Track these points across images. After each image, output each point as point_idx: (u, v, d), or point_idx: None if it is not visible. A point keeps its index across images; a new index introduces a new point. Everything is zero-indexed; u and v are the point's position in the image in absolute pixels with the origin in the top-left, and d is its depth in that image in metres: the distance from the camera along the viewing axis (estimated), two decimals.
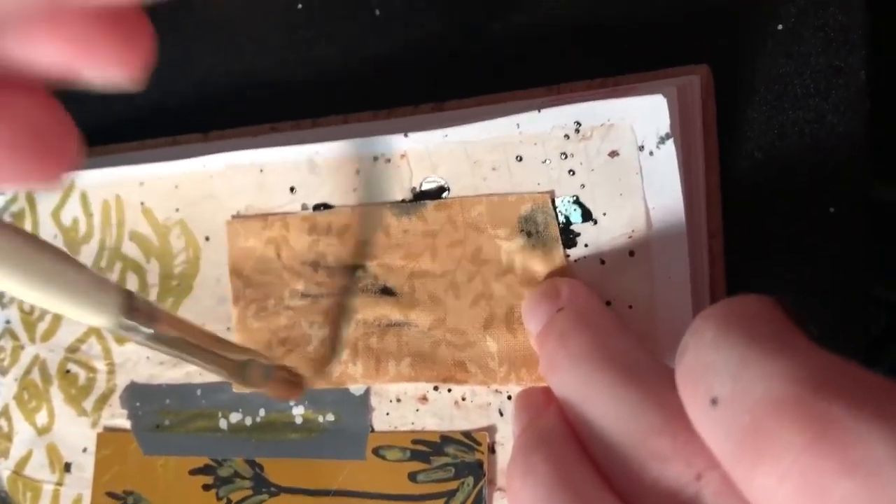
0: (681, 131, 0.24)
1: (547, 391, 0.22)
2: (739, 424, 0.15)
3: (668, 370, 0.18)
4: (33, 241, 0.20)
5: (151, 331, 0.22)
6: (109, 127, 0.35)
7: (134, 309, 0.22)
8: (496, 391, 0.26)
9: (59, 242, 0.33)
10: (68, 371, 0.32)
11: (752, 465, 0.14)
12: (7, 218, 0.34)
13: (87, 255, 0.32)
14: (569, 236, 0.25)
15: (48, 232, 0.33)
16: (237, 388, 0.29)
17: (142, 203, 0.31)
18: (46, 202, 0.33)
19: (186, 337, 0.23)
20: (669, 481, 0.16)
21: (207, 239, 0.30)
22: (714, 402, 0.15)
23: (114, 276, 0.32)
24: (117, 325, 0.21)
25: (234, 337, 0.29)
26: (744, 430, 0.14)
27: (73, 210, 0.33)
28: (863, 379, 0.14)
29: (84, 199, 0.32)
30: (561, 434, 0.19)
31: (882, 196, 0.24)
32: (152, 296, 0.31)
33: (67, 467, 0.32)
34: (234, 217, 0.29)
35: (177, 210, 0.31)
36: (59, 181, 0.17)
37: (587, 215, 0.24)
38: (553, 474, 0.18)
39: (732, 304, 0.17)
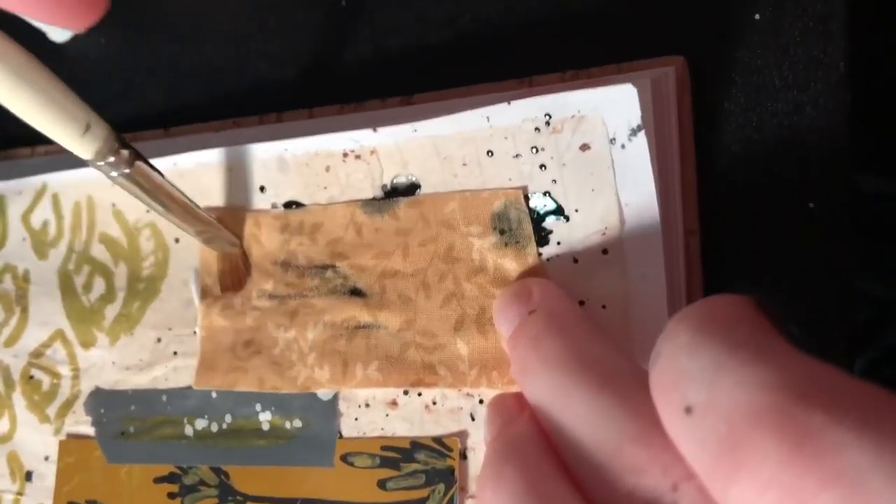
0: (655, 124, 0.23)
1: (520, 397, 0.21)
2: (715, 434, 0.14)
3: (645, 375, 0.17)
4: (38, 62, 0.22)
5: (129, 170, 0.24)
6: None
7: (116, 149, 0.24)
8: (467, 395, 0.25)
9: (27, 246, 0.32)
10: (31, 377, 0.31)
11: (728, 477, 0.13)
12: None
13: (54, 259, 0.32)
14: (541, 234, 0.24)
15: (17, 235, 0.32)
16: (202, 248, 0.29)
17: (113, 204, 0.30)
18: (17, 204, 0.32)
19: (161, 190, 0.25)
20: (645, 492, 0.16)
21: (177, 240, 0.30)
22: (688, 410, 0.14)
23: (81, 280, 0.31)
24: (99, 156, 0.23)
25: (199, 334, 0.28)
26: (720, 440, 0.14)
27: (44, 212, 0.32)
28: (845, 386, 0.13)
29: (56, 200, 0.32)
30: (533, 442, 0.18)
31: (864, 188, 0.24)
32: (119, 299, 0.30)
33: (28, 476, 0.31)
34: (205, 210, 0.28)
35: (147, 211, 0.30)
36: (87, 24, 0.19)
37: (559, 212, 0.24)
38: (524, 485, 0.17)
39: (707, 305, 0.16)
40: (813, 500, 0.12)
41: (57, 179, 0.31)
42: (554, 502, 0.17)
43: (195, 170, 0.28)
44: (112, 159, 0.24)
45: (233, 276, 0.28)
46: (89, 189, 0.31)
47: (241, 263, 0.28)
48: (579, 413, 0.17)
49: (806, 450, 0.12)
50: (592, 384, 0.18)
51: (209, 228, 0.27)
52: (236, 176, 0.28)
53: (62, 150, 0.34)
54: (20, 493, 0.31)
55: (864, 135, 0.23)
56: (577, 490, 0.17)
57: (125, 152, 0.24)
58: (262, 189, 0.27)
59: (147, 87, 0.33)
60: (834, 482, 0.12)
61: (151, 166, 0.25)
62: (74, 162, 0.33)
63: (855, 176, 0.23)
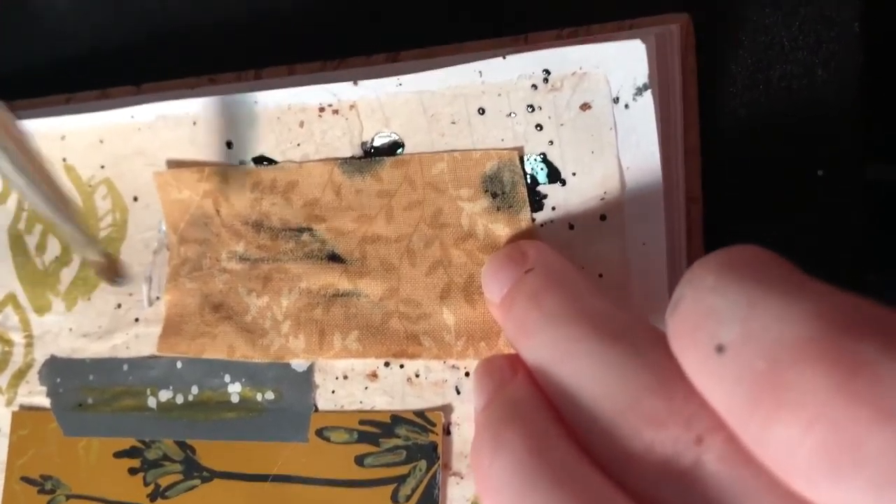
0: (658, 85, 0.22)
1: (512, 359, 0.19)
2: (752, 371, 0.12)
3: (656, 329, 0.16)
4: None
5: None
6: (33, 79, 0.32)
7: None
8: (453, 367, 0.23)
9: None
10: None
11: (768, 417, 0.12)
12: None
13: (4, 216, 0.29)
14: (535, 198, 0.22)
15: None
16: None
17: (63, 159, 0.28)
18: None
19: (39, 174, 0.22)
20: (664, 447, 0.14)
21: (136, 199, 0.28)
22: (720, 349, 0.13)
23: (34, 240, 0.29)
24: None
25: (164, 297, 0.26)
26: (758, 376, 0.12)
27: None
28: (893, 318, 0.12)
29: None
30: (533, 404, 0.17)
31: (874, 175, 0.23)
32: (75, 261, 0.28)
33: None
34: (166, 165, 0.26)
35: (102, 167, 0.28)
36: None
37: (555, 175, 0.22)
38: (528, 449, 0.16)
39: (732, 250, 0.15)
40: (865, 436, 0.11)
41: None
42: (561, 466, 0.15)
43: (155, 123, 0.26)
44: None
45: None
46: (35, 141, 0.28)
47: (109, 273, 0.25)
48: (587, 368, 0.16)
49: (857, 382, 0.11)
50: (603, 336, 0.16)
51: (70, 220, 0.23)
52: (200, 130, 0.26)
53: (27, 106, 0.32)
54: None
55: (879, 98, 0.22)
56: (586, 453, 0.15)
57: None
58: (228, 145, 0.25)
59: (118, 42, 0.31)
60: (889, 419, 0.11)
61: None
62: (21, 115, 0.31)
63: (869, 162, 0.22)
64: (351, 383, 0.24)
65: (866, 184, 0.22)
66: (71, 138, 0.28)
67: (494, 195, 0.23)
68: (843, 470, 0.11)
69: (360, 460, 0.24)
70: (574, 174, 0.22)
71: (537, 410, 0.17)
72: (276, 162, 0.25)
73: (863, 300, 0.13)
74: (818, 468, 0.12)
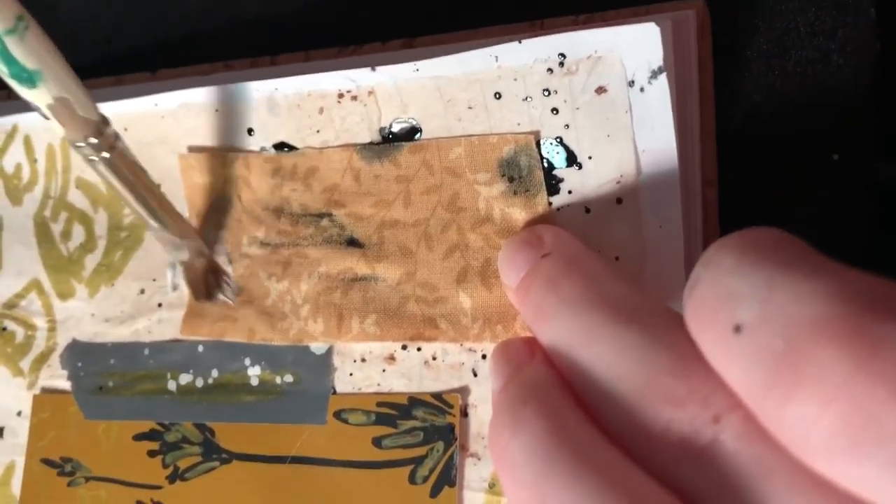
0: (674, 70, 0.22)
1: (529, 342, 0.20)
2: (770, 350, 0.12)
3: (673, 312, 0.16)
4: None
5: (108, 155, 0.23)
6: None
7: (101, 132, 0.22)
8: (470, 350, 0.24)
9: None
10: (5, 328, 0.30)
11: (786, 395, 0.12)
12: None
13: (29, 205, 0.30)
14: (551, 182, 0.23)
15: None
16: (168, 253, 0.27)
17: None
18: None
19: (140, 183, 0.24)
20: (682, 426, 0.14)
21: (159, 186, 0.28)
22: (738, 328, 0.13)
23: (59, 228, 0.29)
24: (82, 137, 0.22)
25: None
26: (776, 355, 0.12)
27: (16, 155, 0.30)
28: None
29: (28, 142, 0.30)
30: (552, 384, 0.17)
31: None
32: (100, 248, 0.29)
33: (0, 432, 0.29)
34: (189, 152, 0.27)
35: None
36: None
37: (571, 159, 0.22)
38: (547, 427, 0.16)
39: (750, 232, 0.15)
40: (884, 414, 0.11)
41: (28, 120, 0.29)
42: (581, 443, 0.15)
43: (178, 111, 0.27)
44: (95, 141, 0.22)
45: (200, 286, 0.27)
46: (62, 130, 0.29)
47: (209, 276, 0.26)
48: (607, 349, 0.16)
49: (877, 360, 0.11)
50: (619, 320, 0.16)
51: (182, 231, 0.25)
52: (223, 117, 0.26)
53: None
54: None
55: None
56: (603, 433, 0.16)
57: (110, 131, 0.23)
58: (250, 132, 0.26)
59: (135, 29, 0.31)
60: None
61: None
62: None
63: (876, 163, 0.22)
64: (369, 366, 0.25)
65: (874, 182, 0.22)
66: None
67: (511, 179, 0.23)
68: (861, 447, 0.11)
69: (377, 442, 0.24)
70: (590, 158, 0.22)
71: (555, 391, 0.17)
72: (296, 148, 0.25)
73: (882, 280, 0.13)
74: (836, 446, 0.12)
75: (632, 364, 0.16)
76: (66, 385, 0.28)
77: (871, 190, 0.22)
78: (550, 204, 0.23)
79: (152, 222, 0.25)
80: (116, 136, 0.23)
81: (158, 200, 0.25)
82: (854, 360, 0.12)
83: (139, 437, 0.27)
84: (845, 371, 0.12)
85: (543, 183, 0.23)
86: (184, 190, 0.27)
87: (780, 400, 0.12)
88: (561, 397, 0.17)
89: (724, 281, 0.14)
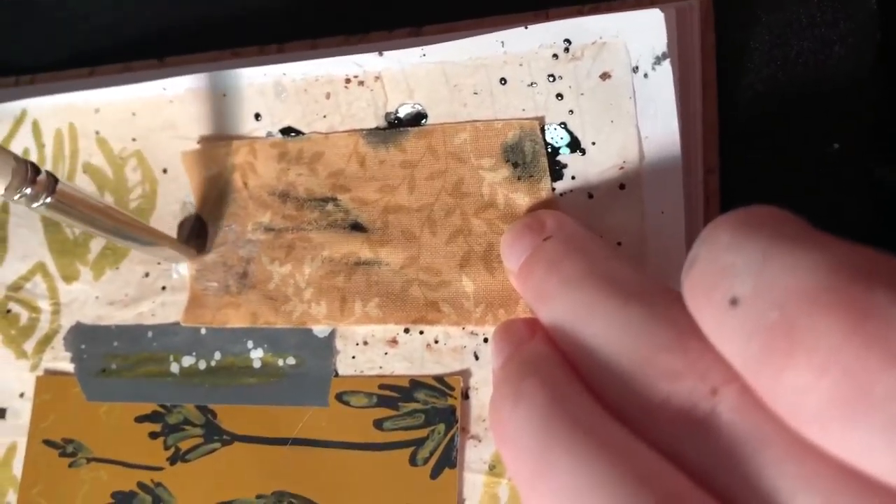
0: (678, 58, 0.22)
1: (530, 321, 0.20)
2: (765, 322, 0.13)
3: (672, 290, 0.17)
4: None
5: (49, 200, 0.22)
6: (58, 54, 0.33)
7: (32, 180, 0.21)
8: (472, 333, 0.24)
9: None
10: (9, 311, 0.30)
11: (780, 365, 0.12)
12: None
13: None
14: (555, 167, 0.23)
15: None
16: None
17: (97, 132, 0.29)
18: None
19: (95, 211, 0.23)
20: (681, 399, 0.15)
21: (165, 171, 0.28)
22: (734, 301, 0.13)
23: None
24: (10, 191, 0.21)
25: (188, 272, 0.27)
26: (770, 326, 0.13)
27: (24, 140, 0.30)
28: None
29: (36, 127, 0.30)
30: (552, 359, 0.17)
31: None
32: None
33: (2, 413, 0.29)
34: (196, 144, 0.27)
35: (133, 140, 0.28)
36: None
37: (575, 144, 0.23)
38: (547, 399, 0.16)
39: (746, 209, 0.15)
40: (875, 380, 0.11)
41: (37, 105, 0.30)
42: (581, 415, 0.15)
43: (185, 95, 0.27)
44: (29, 191, 0.21)
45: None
46: (71, 115, 0.29)
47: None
48: (605, 327, 0.16)
49: (868, 328, 0.11)
50: (620, 297, 0.17)
51: (154, 239, 0.25)
52: (230, 102, 0.26)
53: (50, 80, 0.32)
54: None
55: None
56: (603, 407, 0.16)
57: (42, 178, 0.21)
58: (257, 117, 0.26)
59: (141, 15, 0.31)
60: None
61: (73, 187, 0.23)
62: (52, 87, 0.31)
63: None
64: (371, 349, 0.25)
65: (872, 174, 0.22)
66: (105, 111, 0.28)
67: (515, 165, 0.23)
68: (854, 414, 0.11)
69: (379, 424, 0.24)
70: (594, 143, 0.22)
71: (556, 365, 0.17)
72: (302, 133, 0.26)
73: (874, 251, 0.13)
74: (830, 413, 0.12)
75: (631, 340, 0.16)
76: (69, 367, 0.28)
77: (870, 179, 0.22)
78: (554, 189, 0.23)
79: (124, 244, 0.25)
80: (53, 178, 0.22)
81: (120, 221, 0.24)
82: (846, 329, 0.12)
83: (141, 419, 0.27)
84: (837, 340, 0.12)
85: (547, 168, 0.23)
86: (191, 184, 0.27)
87: (775, 371, 0.13)
88: (561, 372, 0.17)
89: (720, 256, 0.14)
